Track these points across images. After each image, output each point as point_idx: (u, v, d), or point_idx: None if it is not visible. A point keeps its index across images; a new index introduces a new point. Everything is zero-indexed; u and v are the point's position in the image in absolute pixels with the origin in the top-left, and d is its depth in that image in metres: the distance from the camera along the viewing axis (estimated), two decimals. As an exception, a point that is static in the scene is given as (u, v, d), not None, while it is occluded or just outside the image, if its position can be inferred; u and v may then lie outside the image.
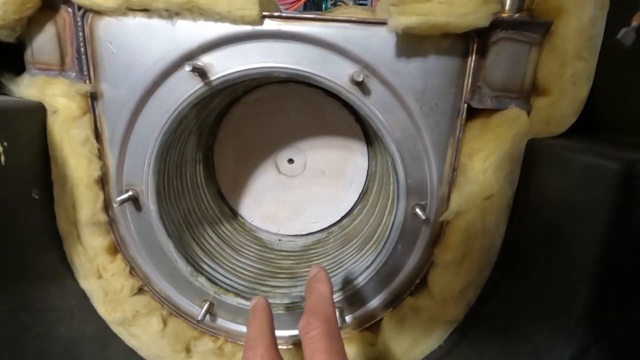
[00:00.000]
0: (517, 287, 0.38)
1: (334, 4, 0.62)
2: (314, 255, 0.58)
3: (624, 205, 0.27)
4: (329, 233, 0.62)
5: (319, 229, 0.62)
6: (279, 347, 0.30)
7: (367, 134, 0.58)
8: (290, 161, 0.60)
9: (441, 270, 0.41)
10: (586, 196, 0.30)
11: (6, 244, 0.34)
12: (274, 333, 0.30)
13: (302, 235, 0.62)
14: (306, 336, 0.26)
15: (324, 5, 0.65)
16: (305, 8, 0.64)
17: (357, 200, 0.61)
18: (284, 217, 0.62)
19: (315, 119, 0.58)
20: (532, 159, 0.36)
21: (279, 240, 0.62)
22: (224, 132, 0.58)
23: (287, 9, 0.61)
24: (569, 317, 0.31)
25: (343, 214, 0.61)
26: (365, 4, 0.61)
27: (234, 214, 0.62)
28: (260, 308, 0.32)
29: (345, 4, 0.60)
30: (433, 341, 0.44)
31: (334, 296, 0.46)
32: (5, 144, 0.33)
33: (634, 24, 0.30)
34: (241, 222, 0.62)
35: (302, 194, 0.61)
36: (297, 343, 0.48)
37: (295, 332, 0.48)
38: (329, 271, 0.52)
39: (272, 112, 0.57)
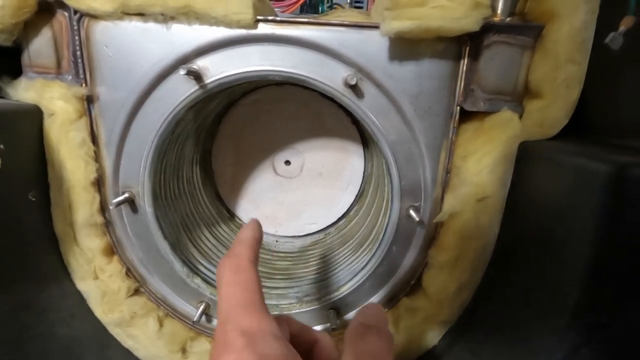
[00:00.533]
0: (510, 288, 0.38)
1: (330, 7, 0.63)
2: (311, 256, 0.58)
3: (615, 207, 0.28)
4: (326, 234, 0.62)
5: (316, 229, 0.62)
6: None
7: (364, 136, 0.58)
8: (288, 163, 0.60)
9: (436, 271, 0.42)
10: (577, 198, 0.30)
11: (5, 245, 0.35)
12: (258, 242, 0.28)
13: (299, 236, 0.62)
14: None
15: (320, 8, 0.65)
16: (302, 10, 0.64)
17: (353, 202, 0.61)
18: (282, 219, 0.62)
19: (312, 121, 0.58)
20: (525, 161, 0.37)
21: (276, 241, 0.62)
22: (221, 134, 0.59)
23: (283, 11, 0.61)
24: (561, 318, 0.31)
25: (340, 215, 0.62)
26: (362, 7, 0.62)
27: (231, 216, 0.62)
28: (251, 223, 0.30)
29: (342, 6, 0.61)
30: (428, 341, 0.44)
31: (333, 296, 0.46)
32: (1, 146, 0.34)
33: (622, 28, 0.30)
34: (238, 223, 0.62)
35: (300, 196, 0.61)
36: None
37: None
38: (325, 272, 0.53)
39: (269, 114, 0.58)
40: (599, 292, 0.30)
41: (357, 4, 0.61)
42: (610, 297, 0.30)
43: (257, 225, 0.30)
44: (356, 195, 0.61)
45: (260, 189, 0.61)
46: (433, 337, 0.44)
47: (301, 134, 0.59)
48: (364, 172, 0.60)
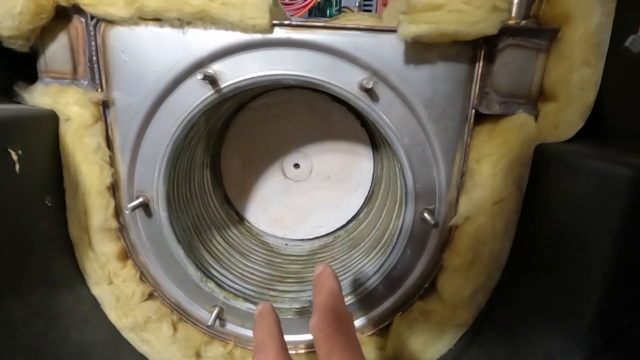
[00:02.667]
0: (526, 291, 0.38)
1: (339, 10, 0.63)
2: (321, 259, 0.58)
3: (635, 211, 0.28)
4: (335, 237, 0.62)
5: (325, 232, 0.62)
6: (289, 351, 0.30)
7: (373, 139, 0.59)
8: (297, 166, 0.60)
9: (450, 274, 0.42)
10: (596, 201, 0.30)
11: (22, 251, 0.35)
12: (282, 336, 0.29)
13: (308, 239, 0.62)
14: (320, 334, 0.25)
15: (328, 11, 0.65)
16: (310, 14, 0.65)
17: (363, 204, 0.61)
18: (290, 222, 0.62)
19: (321, 123, 0.58)
20: (541, 164, 0.37)
21: (286, 244, 0.62)
22: (230, 137, 0.59)
23: (292, 15, 0.61)
24: (580, 322, 0.31)
25: (349, 217, 0.62)
26: (370, 10, 0.62)
27: (240, 219, 0.62)
28: (266, 312, 0.31)
29: (351, 10, 0.61)
30: (443, 345, 0.44)
31: (346, 300, 0.46)
32: (19, 152, 0.34)
33: (642, 31, 0.30)
34: (248, 226, 0.62)
35: (308, 199, 0.61)
36: (308, 346, 0.49)
37: (304, 337, 0.48)
38: (337, 275, 0.52)
39: (278, 117, 0.58)
40: (619, 296, 0.30)
41: (366, 7, 0.61)
42: (630, 300, 0.29)
43: (271, 310, 0.31)
44: (365, 198, 0.61)
45: (268, 191, 0.61)
46: (449, 341, 0.44)
47: (310, 136, 0.59)
48: (373, 175, 0.60)
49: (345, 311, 0.27)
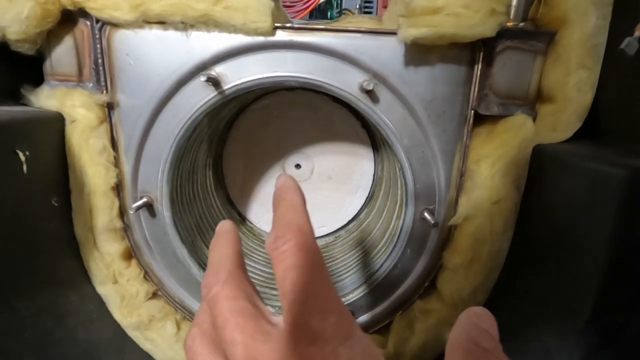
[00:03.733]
0: (525, 291, 0.38)
1: (340, 13, 0.64)
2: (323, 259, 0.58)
3: (631, 211, 0.28)
4: (336, 237, 0.62)
5: (326, 232, 0.63)
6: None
7: (374, 140, 0.59)
8: (298, 166, 0.61)
9: (450, 273, 0.42)
10: (593, 202, 0.30)
11: (29, 251, 0.35)
12: (240, 256, 0.24)
13: (309, 239, 0.63)
14: (276, 252, 0.21)
15: (329, 14, 0.66)
16: (311, 16, 0.65)
17: (363, 205, 0.62)
18: (292, 222, 0.62)
19: (322, 125, 0.59)
20: (539, 165, 0.37)
21: (287, 244, 0.62)
22: (232, 138, 0.59)
23: (293, 17, 0.62)
24: (577, 320, 0.32)
25: (350, 218, 0.62)
26: (371, 12, 0.62)
27: (242, 219, 0.63)
28: (223, 231, 0.26)
29: (351, 12, 0.62)
30: (443, 344, 0.44)
31: (346, 299, 0.47)
32: (27, 153, 0.34)
33: (637, 33, 0.31)
34: (250, 226, 0.62)
35: (309, 199, 0.60)
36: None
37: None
38: (338, 275, 0.53)
39: (279, 118, 0.59)
40: (614, 295, 0.30)
41: (367, 10, 0.62)
42: (626, 299, 0.30)
43: (230, 228, 0.27)
44: (366, 199, 0.62)
45: (270, 192, 0.61)
46: (448, 339, 0.44)
47: (311, 137, 0.60)
48: (373, 176, 0.61)
49: (306, 226, 0.22)
